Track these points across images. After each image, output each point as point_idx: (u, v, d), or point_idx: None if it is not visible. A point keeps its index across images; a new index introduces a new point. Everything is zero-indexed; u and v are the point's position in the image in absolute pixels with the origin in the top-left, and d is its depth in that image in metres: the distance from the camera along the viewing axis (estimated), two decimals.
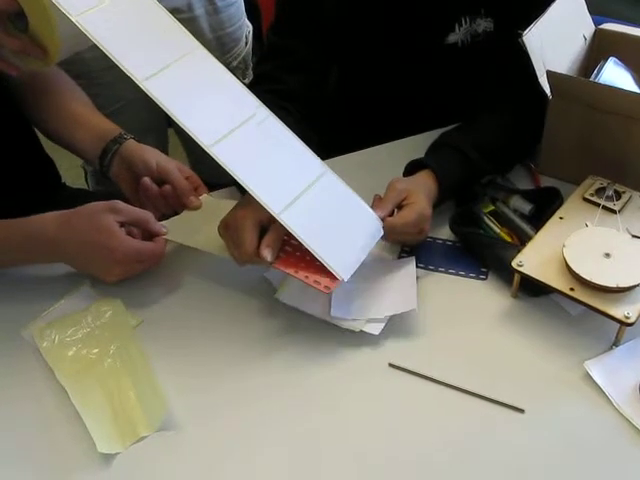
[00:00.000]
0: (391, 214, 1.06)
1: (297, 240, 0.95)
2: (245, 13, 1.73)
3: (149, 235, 1.08)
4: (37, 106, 1.25)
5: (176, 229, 1.11)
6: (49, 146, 1.39)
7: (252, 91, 1.25)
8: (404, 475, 0.85)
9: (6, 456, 0.89)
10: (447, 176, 1.13)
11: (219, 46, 1.63)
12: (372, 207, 1.05)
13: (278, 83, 1.28)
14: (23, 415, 0.93)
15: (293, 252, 1.00)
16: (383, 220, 1.04)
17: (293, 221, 0.94)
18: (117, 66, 1.52)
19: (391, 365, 0.96)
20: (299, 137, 1.03)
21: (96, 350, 0.99)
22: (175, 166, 1.16)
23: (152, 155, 1.16)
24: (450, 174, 1.14)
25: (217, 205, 1.15)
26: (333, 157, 1.30)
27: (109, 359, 0.98)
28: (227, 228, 1.01)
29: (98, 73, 1.57)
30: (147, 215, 1.08)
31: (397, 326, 1.00)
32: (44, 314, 1.05)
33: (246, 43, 1.73)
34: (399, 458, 0.87)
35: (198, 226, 1.13)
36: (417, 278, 1.05)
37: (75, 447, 0.89)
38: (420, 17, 1.28)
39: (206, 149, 0.92)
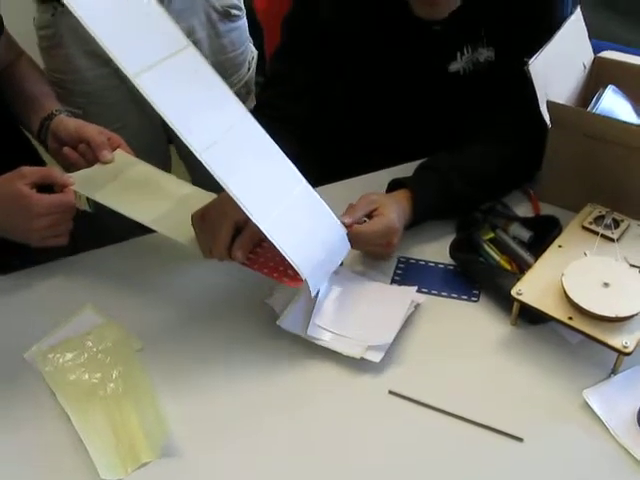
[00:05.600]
0: (360, 223, 1.09)
1: (266, 243, 1.01)
2: (250, 38, 1.75)
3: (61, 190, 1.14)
4: (10, 94, 1.34)
5: (83, 181, 1.16)
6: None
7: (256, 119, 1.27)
8: None
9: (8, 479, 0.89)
10: (423, 198, 1.16)
11: (220, 70, 1.63)
12: (342, 214, 1.09)
13: (279, 110, 1.30)
14: (26, 439, 0.94)
15: (263, 253, 1.05)
16: (349, 226, 1.07)
17: (268, 226, 0.96)
18: (118, 87, 1.56)
19: (391, 392, 0.97)
20: (299, 161, 1.05)
21: (98, 374, 1.00)
22: (93, 128, 1.24)
23: (72, 122, 1.26)
24: (427, 196, 1.17)
25: (131, 162, 1.22)
26: (336, 181, 1.32)
27: (111, 384, 0.98)
28: (203, 220, 1.06)
29: (100, 92, 1.59)
30: (50, 170, 1.14)
31: (397, 353, 1.01)
32: (47, 338, 1.06)
33: (249, 69, 1.74)
34: None
35: (106, 180, 1.18)
36: (418, 305, 1.07)
37: (77, 473, 0.89)
38: (422, 46, 1.29)
39: (197, 155, 0.92)
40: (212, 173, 0.92)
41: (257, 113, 1.33)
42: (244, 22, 1.71)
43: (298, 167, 1.05)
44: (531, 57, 1.13)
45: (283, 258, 0.97)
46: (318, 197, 1.06)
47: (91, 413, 0.95)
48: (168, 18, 0.96)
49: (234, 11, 1.64)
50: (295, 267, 0.97)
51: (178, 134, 0.90)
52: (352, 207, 1.11)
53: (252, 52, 1.76)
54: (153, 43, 0.94)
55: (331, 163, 1.46)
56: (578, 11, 1.26)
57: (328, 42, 1.30)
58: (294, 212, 1.01)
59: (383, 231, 1.09)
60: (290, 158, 1.05)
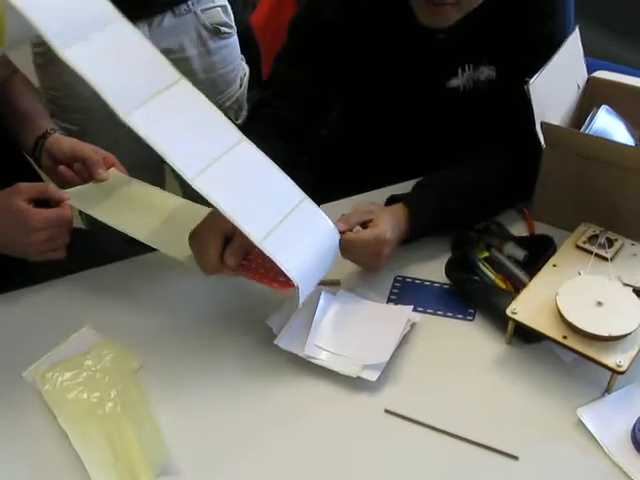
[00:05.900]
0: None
1: (255, 250, 1.02)
2: (242, 56, 1.76)
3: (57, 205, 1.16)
4: (4, 111, 1.35)
5: (79, 197, 1.18)
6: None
7: (252, 117, 1.30)
8: None
9: None
10: (419, 215, 1.17)
11: (211, 87, 1.66)
12: (337, 221, 1.09)
13: (275, 109, 1.31)
14: (24, 458, 0.94)
15: (254, 260, 1.06)
16: (342, 233, 1.07)
17: (257, 235, 0.96)
18: None
19: (387, 411, 0.97)
20: (292, 166, 1.06)
21: (97, 394, 1.00)
22: (88, 147, 1.26)
23: (67, 141, 1.27)
24: (422, 214, 1.18)
25: (125, 181, 1.24)
26: (334, 199, 1.32)
27: (110, 403, 0.99)
28: (194, 238, 1.07)
29: (95, 107, 1.59)
30: (47, 186, 1.15)
31: (393, 372, 1.02)
32: (45, 357, 1.06)
33: (241, 85, 1.75)
34: None
35: (101, 197, 1.20)
36: (414, 324, 1.07)
37: None
38: (425, 54, 1.30)
39: (189, 182, 0.93)
40: (206, 198, 0.93)
41: (257, 111, 1.35)
42: (235, 39, 1.72)
43: (291, 175, 1.04)
44: (531, 77, 1.14)
45: (273, 264, 0.98)
46: (317, 207, 1.06)
47: (90, 432, 0.95)
48: (157, 53, 0.97)
49: (224, 29, 1.66)
50: (290, 276, 0.97)
51: (171, 164, 0.91)
52: (347, 215, 1.11)
53: (244, 69, 1.77)
54: (144, 80, 0.95)
55: (330, 182, 1.47)
56: (576, 31, 1.27)
57: (330, 47, 1.30)
58: (290, 224, 1.01)
59: (374, 240, 1.09)
60: (277, 161, 1.03)
